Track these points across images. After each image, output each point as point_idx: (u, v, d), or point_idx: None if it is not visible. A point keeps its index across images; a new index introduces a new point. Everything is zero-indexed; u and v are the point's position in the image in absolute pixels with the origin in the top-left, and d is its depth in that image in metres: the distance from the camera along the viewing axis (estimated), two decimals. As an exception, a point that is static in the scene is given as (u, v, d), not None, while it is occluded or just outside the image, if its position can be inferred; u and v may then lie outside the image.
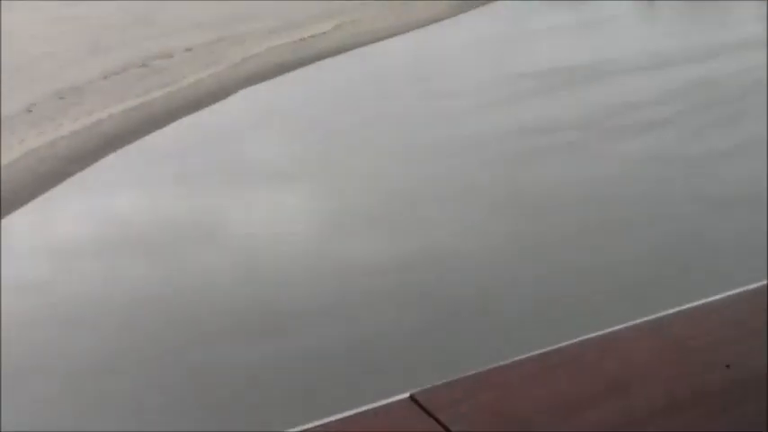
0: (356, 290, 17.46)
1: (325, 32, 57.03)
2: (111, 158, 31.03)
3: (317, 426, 2.54)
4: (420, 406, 2.53)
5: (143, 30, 58.44)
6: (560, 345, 2.45)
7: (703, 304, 2.58)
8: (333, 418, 2.57)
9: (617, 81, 35.56)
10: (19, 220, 23.73)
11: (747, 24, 46.30)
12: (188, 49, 49.67)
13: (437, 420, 2.46)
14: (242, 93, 41.33)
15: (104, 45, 49.91)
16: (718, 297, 2.58)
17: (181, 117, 36.76)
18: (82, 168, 29.38)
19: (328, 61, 48.88)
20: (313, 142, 31.50)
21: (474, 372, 2.51)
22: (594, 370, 2.44)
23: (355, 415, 2.55)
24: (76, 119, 35.13)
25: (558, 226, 20.02)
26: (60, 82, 41.47)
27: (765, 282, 2.66)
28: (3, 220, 23.27)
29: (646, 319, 2.52)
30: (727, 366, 2.45)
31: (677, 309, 2.56)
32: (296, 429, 2.48)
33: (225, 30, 57.09)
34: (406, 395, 2.55)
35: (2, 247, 21.01)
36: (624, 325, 2.52)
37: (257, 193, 25.91)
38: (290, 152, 30.29)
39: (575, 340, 2.47)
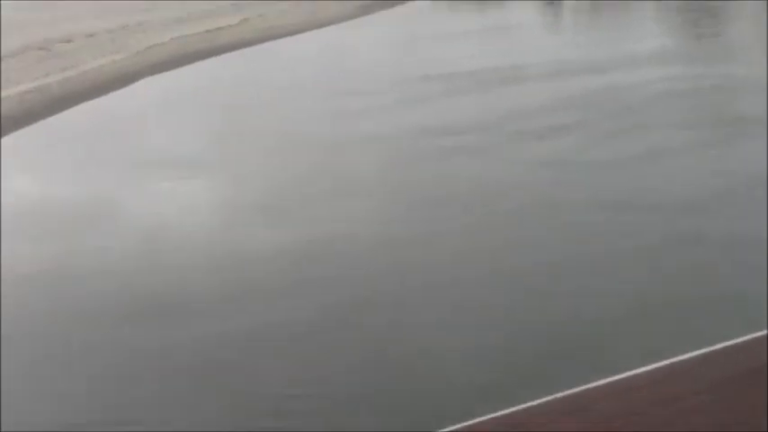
0: (250, 278, 17.25)
1: (231, 25, 56.59)
2: (5, 141, 30.34)
3: None
4: None
5: (43, 13, 57.33)
6: (459, 426, 2.16)
7: (632, 377, 2.31)
8: None
9: (521, 87, 35.82)
10: None
11: (652, 39, 47.00)
12: (89, 35, 48.83)
13: None
14: (144, 81, 40.80)
15: (2, 27, 48.76)
16: (646, 369, 2.32)
17: (80, 102, 36.16)
18: (-26, 150, 28.68)
19: (233, 54, 48.48)
20: (214, 133, 31.18)
21: None
22: None
23: None
24: (-30, 99, 34.26)
25: (454, 227, 19.91)
26: (-46, 62, 40.39)
27: (700, 352, 2.39)
28: None
29: (563, 394, 2.24)
30: None
31: (601, 382, 2.27)
32: None
33: (129, 18, 56.28)
34: None
35: None
36: (534, 402, 2.24)
37: (155, 180, 25.57)
38: (190, 142, 29.95)
39: (473, 421, 2.18)
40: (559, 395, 2.16)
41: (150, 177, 25.52)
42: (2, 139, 30.31)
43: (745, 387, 2.22)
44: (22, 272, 18.24)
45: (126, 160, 27.87)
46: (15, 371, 13.73)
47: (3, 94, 35.20)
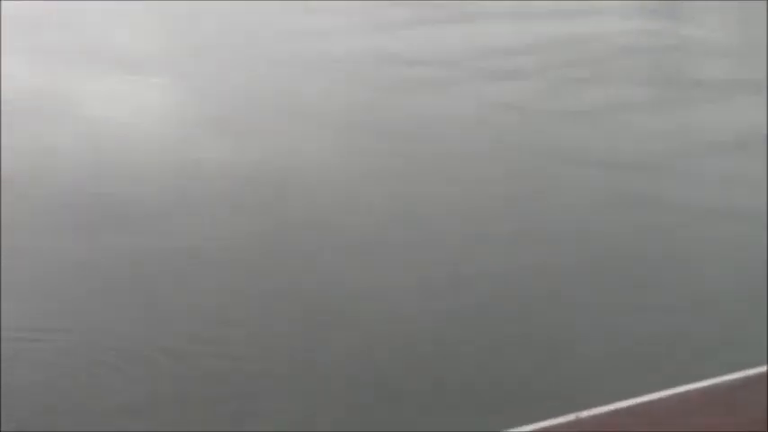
0: (199, 190, 17.25)
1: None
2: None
3: None
4: None
5: None
6: None
7: (660, 400, 2.19)
8: None
9: (487, 25, 35.74)
10: None
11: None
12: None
13: None
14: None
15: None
16: (675, 392, 2.21)
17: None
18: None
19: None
20: (179, 41, 31.07)
21: None
22: None
23: None
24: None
25: (404, 157, 19.77)
26: None
27: (732, 377, 2.29)
28: None
29: (585, 415, 2.06)
30: None
31: (626, 403, 2.10)
32: None
33: None
34: None
35: None
36: (542, 425, 2.11)
37: (113, 78, 25.56)
38: (153, 47, 29.83)
39: None
40: (583, 414, 1.96)
41: (112, 75, 25.38)
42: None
43: None
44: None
45: (87, 54, 27.66)
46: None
47: None
